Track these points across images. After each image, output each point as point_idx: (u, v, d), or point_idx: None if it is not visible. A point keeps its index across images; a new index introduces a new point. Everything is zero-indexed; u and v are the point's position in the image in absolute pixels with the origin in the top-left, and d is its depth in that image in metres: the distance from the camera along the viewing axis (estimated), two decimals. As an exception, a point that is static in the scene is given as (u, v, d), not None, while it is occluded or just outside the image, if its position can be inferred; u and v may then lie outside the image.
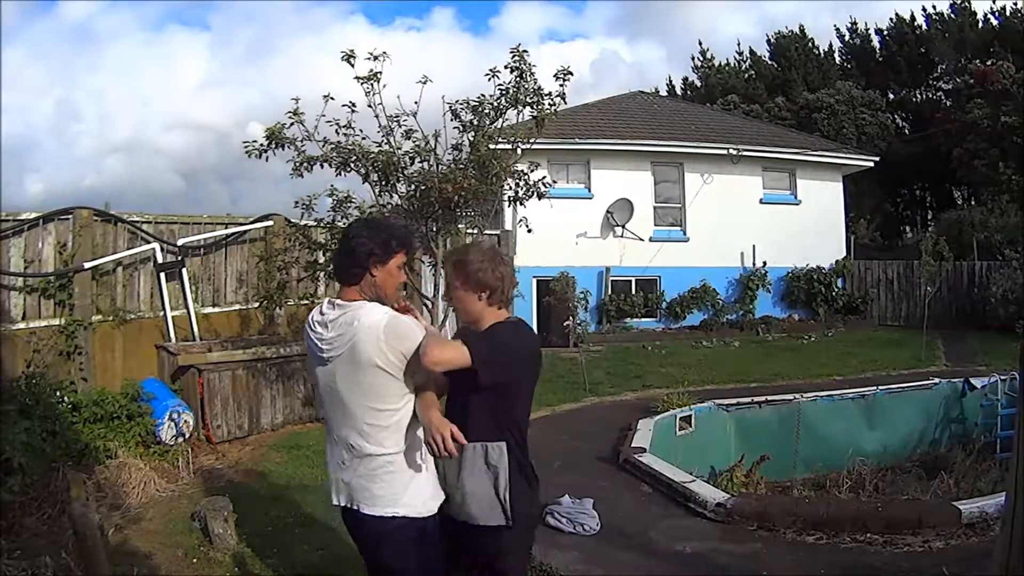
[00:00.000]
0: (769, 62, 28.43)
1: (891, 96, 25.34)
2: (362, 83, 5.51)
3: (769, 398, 8.13)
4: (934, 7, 24.99)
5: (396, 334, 2.20)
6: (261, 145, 5.56)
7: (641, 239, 14.41)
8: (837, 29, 27.86)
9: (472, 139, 5.73)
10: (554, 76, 5.72)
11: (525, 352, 2.46)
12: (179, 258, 7.62)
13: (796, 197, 15.62)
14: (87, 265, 6.71)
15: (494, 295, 2.42)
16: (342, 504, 2.33)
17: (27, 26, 47.61)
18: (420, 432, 2.24)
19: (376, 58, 5.49)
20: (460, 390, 2.38)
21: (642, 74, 45.75)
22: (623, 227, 14.22)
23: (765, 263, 14.92)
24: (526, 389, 2.49)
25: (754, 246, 14.95)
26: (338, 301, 2.31)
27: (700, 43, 33.18)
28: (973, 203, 21.64)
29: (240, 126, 47.29)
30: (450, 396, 2.46)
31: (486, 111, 5.64)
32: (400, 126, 5.66)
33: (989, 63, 20.29)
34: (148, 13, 58.62)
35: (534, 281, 13.76)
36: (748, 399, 8.10)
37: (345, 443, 2.27)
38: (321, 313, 2.33)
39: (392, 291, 2.37)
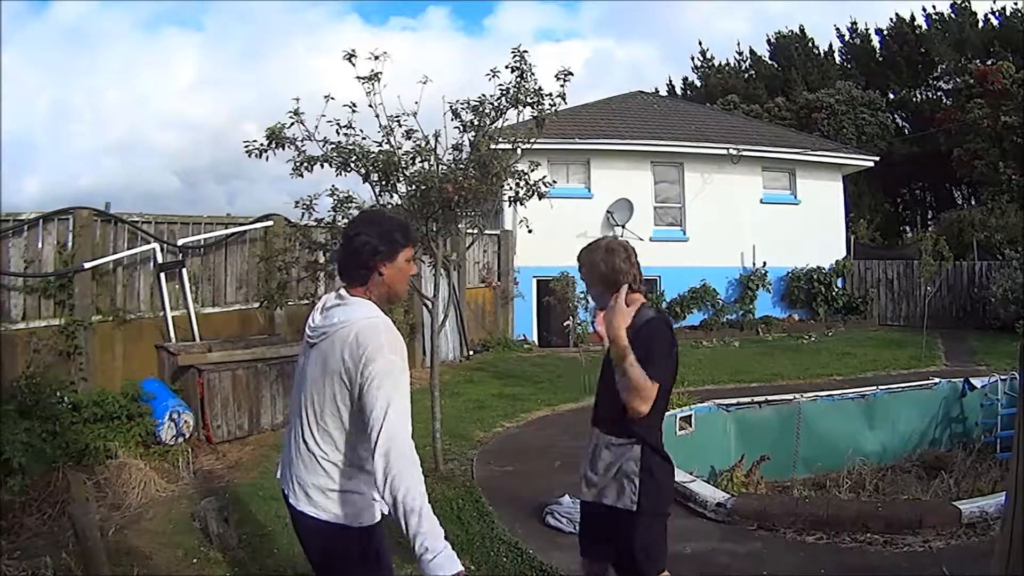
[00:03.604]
0: (769, 62, 28.45)
1: (891, 96, 25.34)
2: (363, 83, 5.50)
3: (769, 398, 8.13)
4: (934, 7, 25.04)
5: (361, 340, 2.08)
6: (261, 145, 5.55)
7: (641, 239, 14.39)
8: (837, 29, 27.92)
9: (472, 139, 5.72)
10: (555, 77, 5.71)
11: (673, 345, 2.67)
12: (179, 258, 7.62)
13: (796, 197, 15.61)
14: (87, 265, 6.71)
15: (624, 283, 2.66)
16: (284, 491, 2.33)
17: (22, 27, 47.55)
18: (365, 449, 2.12)
19: (377, 58, 5.49)
20: (610, 383, 2.59)
21: (636, 73, 45.83)
22: (623, 227, 14.22)
23: (765, 263, 14.92)
24: (671, 384, 2.72)
25: (754, 246, 14.95)
26: (342, 292, 2.25)
27: (700, 43, 33.24)
28: (973, 203, 21.66)
29: (236, 126, 47.29)
30: (602, 385, 2.76)
31: (486, 111, 5.63)
32: (400, 126, 5.65)
33: (989, 63, 20.30)
34: (143, 14, 58.63)
35: (534, 281, 13.77)
36: (748, 399, 8.09)
37: (298, 431, 2.24)
38: (326, 301, 2.29)
39: (402, 287, 2.31)
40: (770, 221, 15.03)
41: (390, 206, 5.85)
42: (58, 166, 44.99)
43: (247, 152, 5.61)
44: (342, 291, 2.26)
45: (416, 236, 2.42)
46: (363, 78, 5.50)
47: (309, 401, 2.19)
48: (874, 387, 8.63)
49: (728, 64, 29.42)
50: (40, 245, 6.57)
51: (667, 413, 7.44)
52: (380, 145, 5.65)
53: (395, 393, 2.05)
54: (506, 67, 5.60)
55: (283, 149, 5.57)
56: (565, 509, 4.61)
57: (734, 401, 8.03)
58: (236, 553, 4.20)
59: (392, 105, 5.60)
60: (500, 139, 5.81)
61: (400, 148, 5.62)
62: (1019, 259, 13.74)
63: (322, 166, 5.63)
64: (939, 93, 25.33)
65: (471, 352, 11.77)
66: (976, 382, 8.46)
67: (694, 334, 13.89)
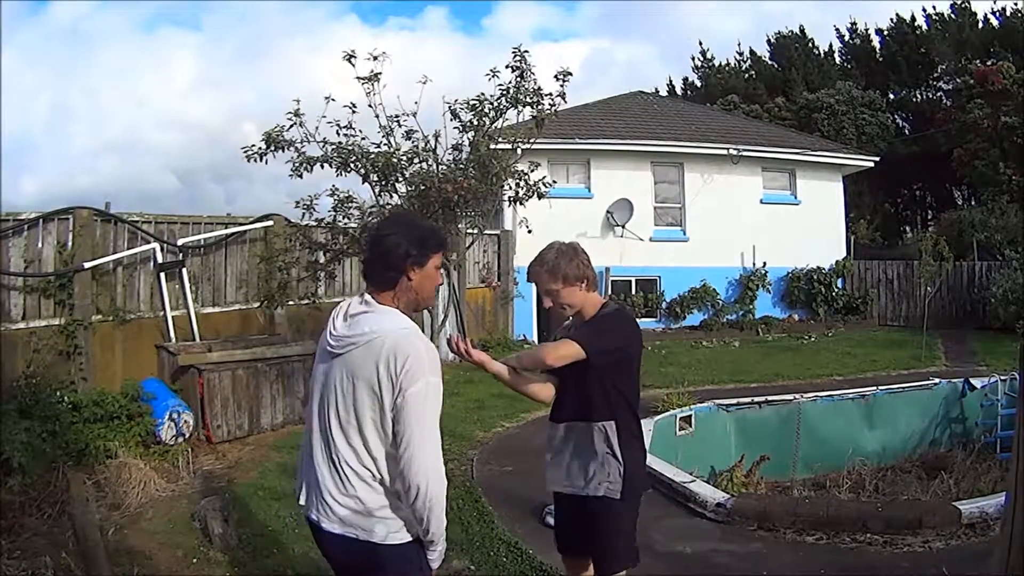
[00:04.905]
0: (769, 62, 28.44)
1: (891, 96, 25.34)
2: (363, 83, 5.50)
3: (769, 398, 8.13)
4: (934, 7, 25.03)
5: (400, 355, 1.99)
6: (260, 149, 5.56)
7: (641, 239, 14.41)
8: (837, 29, 27.89)
9: (472, 139, 5.72)
10: (555, 77, 5.72)
11: (626, 333, 2.77)
12: (179, 258, 7.62)
13: (796, 197, 15.61)
14: (87, 265, 6.71)
15: (589, 282, 2.76)
16: (302, 504, 2.20)
17: (20, 26, 47.52)
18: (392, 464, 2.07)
19: (376, 58, 5.49)
20: (572, 378, 2.68)
21: (635, 73, 45.78)
22: (623, 227, 14.22)
23: (765, 263, 14.91)
24: (633, 368, 2.82)
25: (754, 246, 14.94)
26: (368, 299, 2.14)
27: (700, 43, 33.21)
28: (973, 203, 21.64)
29: (234, 125, 47.21)
30: (563, 385, 2.79)
31: (486, 111, 5.63)
32: (400, 126, 5.66)
33: (989, 63, 20.29)
34: (141, 14, 58.59)
35: (534, 281, 13.76)
36: (748, 399, 8.09)
37: (326, 448, 2.11)
38: (349, 307, 2.18)
39: (429, 294, 2.23)
40: (770, 221, 15.02)
41: (389, 206, 5.85)
42: (57, 166, 45.01)
43: (246, 157, 5.62)
44: (367, 296, 2.15)
45: (448, 242, 2.33)
46: (363, 78, 5.50)
47: (338, 417, 2.07)
48: (874, 387, 8.62)
49: (728, 64, 29.41)
50: (40, 245, 6.57)
51: (667, 413, 7.43)
52: (379, 145, 5.65)
53: (430, 419, 2.01)
54: (506, 67, 5.61)
55: (283, 152, 5.58)
56: (565, 509, 4.61)
57: (734, 401, 8.02)
58: (236, 553, 4.20)
59: (392, 105, 5.61)
60: (500, 139, 5.82)
61: (399, 148, 5.63)
62: (1019, 259, 13.73)
63: (322, 167, 5.64)
64: (939, 93, 25.32)
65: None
66: (976, 382, 8.46)
67: (694, 334, 13.89)
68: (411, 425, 1.98)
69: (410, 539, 2.09)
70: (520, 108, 5.68)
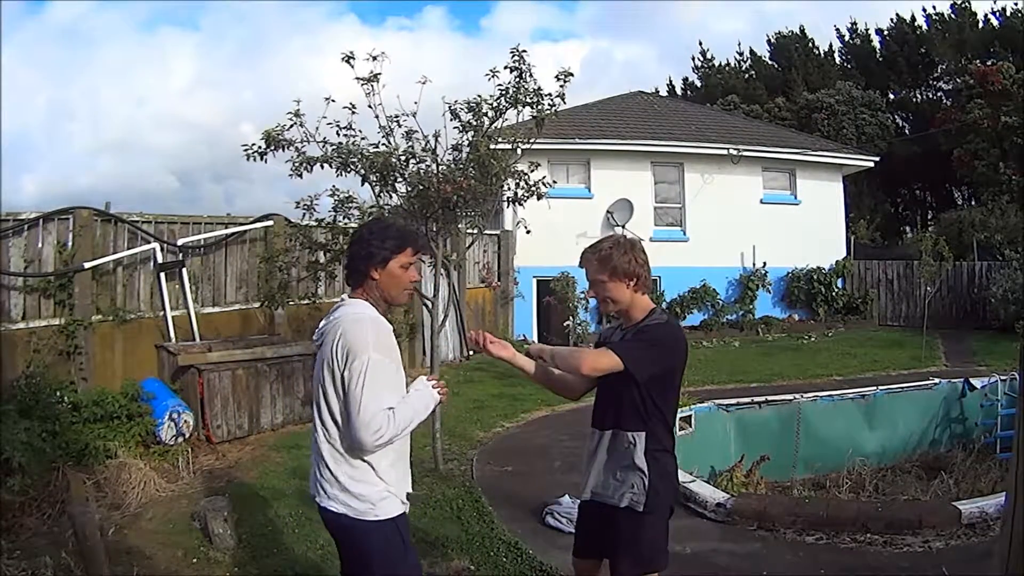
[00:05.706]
0: (769, 62, 28.48)
1: (891, 96, 25.37)
2: (362, 84, 5.49)
3: (769, 398, 8.12)
4: (934, 7, 25.08)
5: (347, 334, 2.19)
6: (259, 148, 5.55)
7: (641, 239, 14.35)
8: (837, 29, 27.95)
9: (472, 139, 5.72)
10: (555, 77, 5.71)
11: (672, 349, 2.65)
12: (179, 258, 7.62)
13: (796, 197, 15.61)
14: (87, 265, 6.71)
15: (639, 281, 2.62)
16: (312, 492, 2.37)
17: (19, 26, 47.47)
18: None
19: (375, 59, 5.48)
20: (609, 384, 2.62)
21: (634, 73, 45.72)
22: (623, 227, 14.21)
23: (765, 263, 14.92)
24: (674, 383, 2.70)
25: (754, 246, 14.95)
26: (344, 296, 2.38)
27: (700, 43, 33.27)
28: (973, 203, 21.65)
29: (233, 125, 47.21)
30: (599, 390, 2.77)
31: (485, 111, 5.62)
32: (400, 126, 5.65)
33: (989, 63, 20.29)
34: (139, 13, 58.56)
35: (534, 281, 13.77)
36: (748, 399, 8.08)
37: (313, 429, 2.32)
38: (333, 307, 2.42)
39: (397, 293, 2.37)
40: (770, 221, 15.03)
41: (388, 207, 5.85)
42: (56, 166, 45.03)
43: (246, 155, 5.62)
44: (345, 295, 2.39)
45: (418, 243, 2.44)
46: (362, 79, 5.49)
47: (318, 399, 2.29)
48: (874, 387, 8.61)
49: (728, 64, 29.44)
50: (40, 245, 6.57)
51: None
52: (378, 146, 5.64)
53: (371, 388, 2.14)
54: (505, 67, 5.60)
55: (282, 151, 5.58)
56: (565, 509, 4.61)
57: (734, 401, 8.02)
58: (236, 553, 4.20)
59: (391, 105, 5.59)
60: (500, 139, 5.81)
61: (398, 149, 5.62)
62: (1019, 259, 13.73)
63: (322, 167, 5.63)
64: (939, 93, 25.36)
65: (471, 352, 11.76)
66: (976, 382, 8.45)
67: (694, 334, 13.87)
68: (353, 397, 2.14)
69: (388, 517, 2.24)
70: (520, 108, 5.67)
